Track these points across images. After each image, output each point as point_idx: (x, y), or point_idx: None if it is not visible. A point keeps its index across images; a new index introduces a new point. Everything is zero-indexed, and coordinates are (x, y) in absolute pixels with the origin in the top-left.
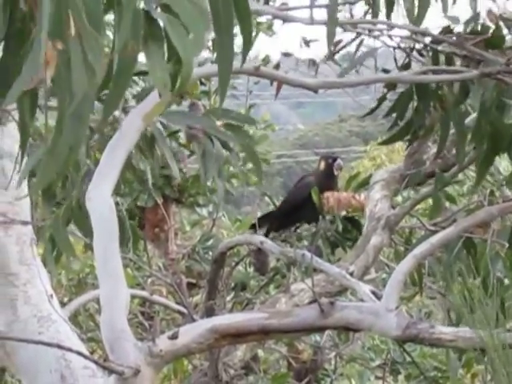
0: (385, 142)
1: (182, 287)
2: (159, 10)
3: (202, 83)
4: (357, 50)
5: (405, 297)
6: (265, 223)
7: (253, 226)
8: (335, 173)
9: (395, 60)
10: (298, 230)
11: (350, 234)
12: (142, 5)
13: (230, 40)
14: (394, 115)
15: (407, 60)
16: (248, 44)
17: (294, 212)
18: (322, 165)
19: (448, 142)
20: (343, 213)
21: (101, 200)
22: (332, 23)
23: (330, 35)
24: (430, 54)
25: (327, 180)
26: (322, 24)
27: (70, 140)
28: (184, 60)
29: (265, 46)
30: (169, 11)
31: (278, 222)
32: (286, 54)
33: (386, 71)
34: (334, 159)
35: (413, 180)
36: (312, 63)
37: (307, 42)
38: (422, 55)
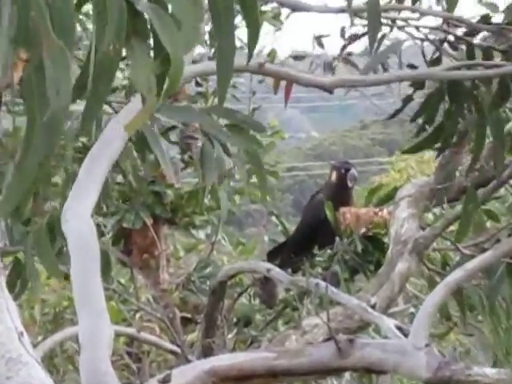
0: (410, 151)
1: (175, 323)
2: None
3: (197, 83)
4: (379, 43)
5: (436, 334)
6: (276, 257)
7: None
8: (349, 184)
9: (423, 54)
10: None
11: (371, 255)
12: None
13: (230, 28)
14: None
15: (437, 54)
16: (255, 34)
17: (309, 240)
18: (334, 176)
19: (486, 151)
20: (363, 231)
21: (79, 221)
22: (374, 15)
23: (373, 29)
24: (464, 47)
25: (341, 193)
26: (337, 12)
27: (40, 154)
28: (173, 58)
29: (270, 41)
30: (156, 1)
31: (292, 253)
32: (298, 57)
33: (412, 67)
34: (347, 169)
35: (444, 196)
36: (328, 65)
37: (320, 41)
38: (455, 48)
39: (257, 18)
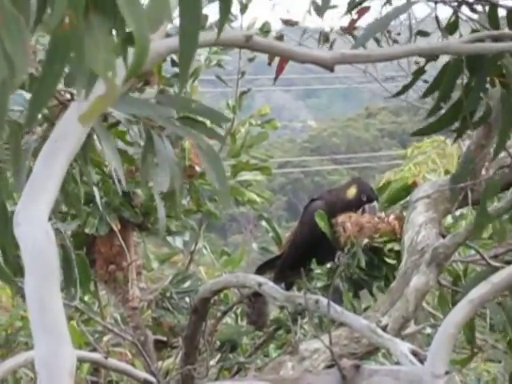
0: (421, 132)
1: (148, 347)
2: None
3: (174, 63)
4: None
5: (458, 360)
6: (267, 272)
7: None
8: (360, 212)
9: (437, 18)
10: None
11: (377, 270)
12: None
13: None
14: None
15: (453, 19)
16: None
17: (306, 258)
18: (352, 193)
19: None
20: (366, 241)
21: (34, 225)
22: None
23: None
24: (486, 8)
25: (344, 208)
26: None
27: None
28: (137, 37)
29: (263, 13)
30: None
31: (287, 268)
32: (288, 22)
33: (423, 34)
34: (370, 199)
35: (467, 196)
36: (324, 36)
37: (319, 10)
38: (473, 11)
39: None
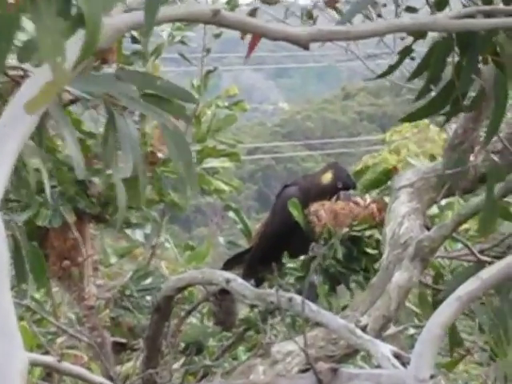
0: (410, 118)
1: (106, 349)
2: None
3: (134, 39)
4: None
5: (444, 363)
6: (235, 267)
7: None
8: (334, 199)
9: None
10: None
11: (356, 263)
12: None
13: None
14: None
15: None
16: None
17: (278, 250)
18: (327, 178)
19: (508, 127)
20: (345, 230)
21: None
22: None
23: None
24: None
25: (318, 195)
26: None
27: None
28: (88, 16)
29: None
30: None
31: (257, 263)
32: (267, 1)
33: (411, 10)
34: (347, 186)
35: (455, 185)
36: (307, 13)
37: None
38: None
39: None
